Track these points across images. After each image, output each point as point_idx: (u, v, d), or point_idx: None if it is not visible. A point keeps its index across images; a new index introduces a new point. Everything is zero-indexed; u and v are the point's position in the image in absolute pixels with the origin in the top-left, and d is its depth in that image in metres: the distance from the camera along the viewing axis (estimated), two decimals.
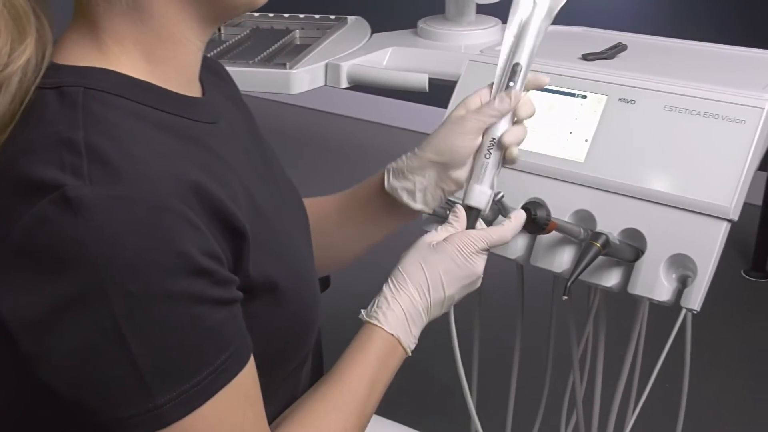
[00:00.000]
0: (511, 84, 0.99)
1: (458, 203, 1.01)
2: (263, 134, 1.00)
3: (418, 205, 1.05)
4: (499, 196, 1.16)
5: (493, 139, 1.00)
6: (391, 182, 1.06)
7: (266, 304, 0.83)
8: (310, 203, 1.11)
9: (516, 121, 1.02)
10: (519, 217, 1.03)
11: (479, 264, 0.97)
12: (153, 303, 0.71)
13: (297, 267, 0.88)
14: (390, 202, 1.06)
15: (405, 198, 1.05)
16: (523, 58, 1.00)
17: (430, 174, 1.03)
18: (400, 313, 0.94)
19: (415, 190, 1.04)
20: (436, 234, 0.99)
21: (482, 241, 0.98)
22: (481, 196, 1.01)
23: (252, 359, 0.80)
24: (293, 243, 0.90)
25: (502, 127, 1.00)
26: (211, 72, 0.94)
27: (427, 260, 0.96)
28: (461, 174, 1.02)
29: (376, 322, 0.93)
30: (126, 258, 0.69)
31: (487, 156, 1.01)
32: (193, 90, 0.85)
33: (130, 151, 0.73)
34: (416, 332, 0.95)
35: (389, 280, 0.96)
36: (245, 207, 0.80)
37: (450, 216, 1.00)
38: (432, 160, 1.02)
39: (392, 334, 0.93)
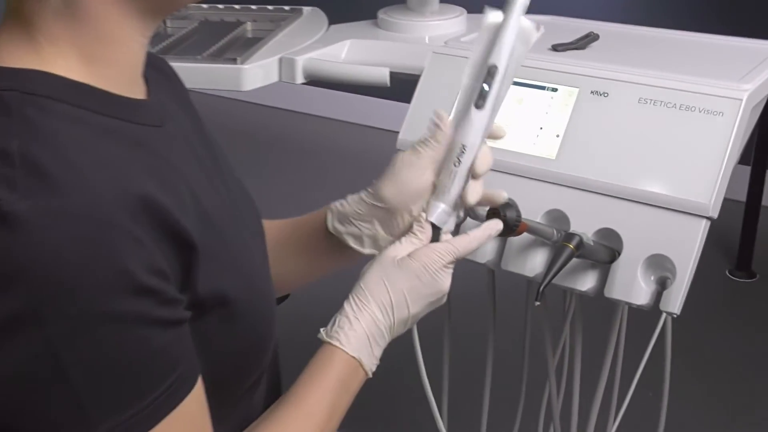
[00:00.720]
0: (486, 87, 0.98)
1: (422, 212, 1.00)
2: (212, 134, 1.00)
3: (366, 250, 1.05)
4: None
5: (463, 146, 0.99)
6: (336, 226, 1.06)
7: (218, 319, 0.83)
8: None
9: (473, 176, 1.00)
10: (489, 228, 1.03)
11: (446, 280, 0.98)
12: (93, 325, 0.70)
13: (250, 278, 0.89)
14: (335, 243, 1.07)
15: (352, 243, 1.06)
16: (500, 60, 0.98)
17: (380, 221, 1.03)
18: (362, 333, 0.94)
19: (363, 236, 1.05)
20: (400, 247, 0.98)
21: (449, 254, 0.98)
22: (443, 215, 1.00)
23: (200, 382, 0.80)
24: (246, 252, 0.90)
25: (474, 133, 0.99)
26: (156, 69, 0.94)
27: (391, 277, 0.96)
28: (416, 209, 1.02)
29: (337, 344, 0.93)
30: (65, 277, 0.69)
31: (456, 164, 0.99)
32: (137, 91, 0.85)
33: (70, 161, 0.72)
34: (378, 353, 0.96)
35: (350, 297, 0.96)
36: (194, 216, 0.80)
37: (414, 226, 1.00)
38: (381, 207, 1.02)
39: (354, 357, 0.93)
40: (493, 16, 1.00)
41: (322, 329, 0.95)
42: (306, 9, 1.90)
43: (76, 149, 0.74)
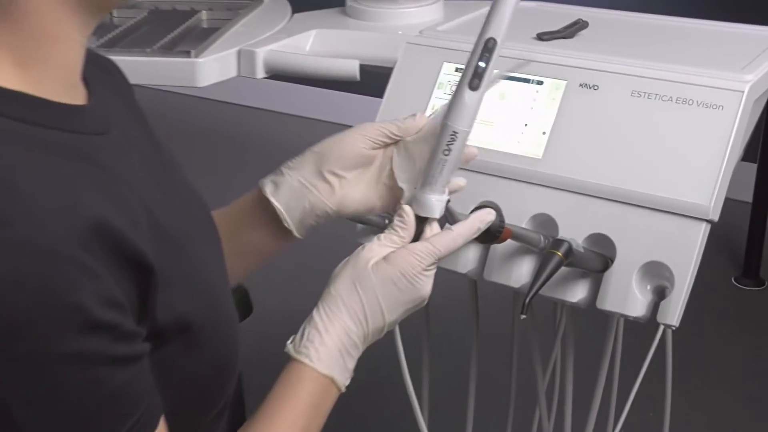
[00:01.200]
0: (482, 65, 0.97)
1: (405, 206, 1.00)
2: (158, 135, 1.00)
3: (280, 199, 1.07)
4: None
5: (455, 132, 0.98)
6: (265, 186, 1.08)
7: (178, 347, 0.83)
8: None
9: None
10: (477, 220, 1.02)
11: (426, 285, 0.98)
12: (43, 367, 0.70)
13: (212, 298, 0.88)
14: (261, 216, 1.08)
15: (268, 191, 1.07)
16: (499, 32, 0.97)
17: (308, 168, 1.06)
18: (334, 347, 0.94)
19: (282, 183, 1.07)
20: (377, 247, 0.98)
21: (429, 256, 0.97)
22: (436, 204, 1.00)
23: (163, 420, 0.80)
24: (207, 268, 0.90)
25: (467, 117, 0.98)
26: (94, 65, 0.92)
27: (365, 283, 0.96)
28: (339, 185, 1.05)
29: (307, 360, 0.93)
30: (9, 316, 0.68)
31: (446, 152, 0.99)
32: (76, 95, 0.84)
33: (8, 184, 0.71)
34: (351, 366, 0.96)
35: (320, 306, 0.96)
36: (150, 235, 0.80)
37: (395, 220, 1.00)
38: (314, 150, 1.06)
39: (326, 375, 0.93)
40: None
41: (289, 342, 0.95)
42: None
43: (14, 170, 0.72)
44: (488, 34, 0.97)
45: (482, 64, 0.97)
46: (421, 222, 1.00)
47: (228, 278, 0.99)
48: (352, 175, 1.07)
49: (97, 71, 0.91)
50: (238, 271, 1.09)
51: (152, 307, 0.79)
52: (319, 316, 0.95)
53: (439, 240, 0.99)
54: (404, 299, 0.97)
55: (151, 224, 0.81)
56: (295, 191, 1.07)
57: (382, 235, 0.99)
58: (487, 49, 0.97)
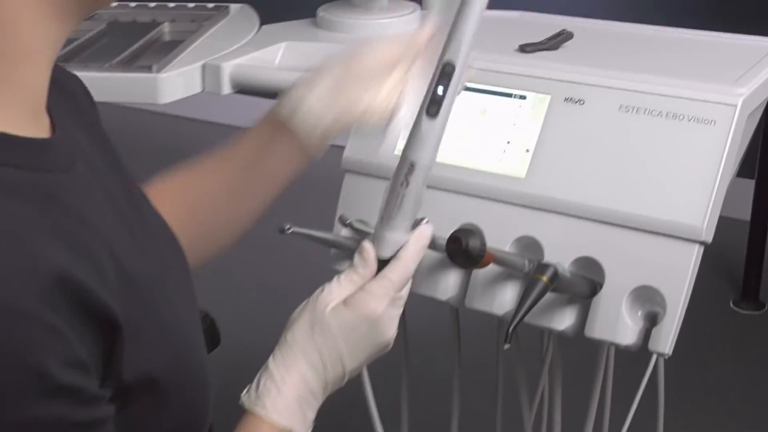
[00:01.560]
0: (440, 91, 0.96)
1: (366, 241, 0.99)
2: (125, 162, 0.98)
3: (299, 123, 1.08)
4: (424, 222, 1.19)
5: (413, 164, 0.97)
6: (286, 107, 1.09)
7: (145, 406, 0.83)
8: (186, 182, 1.14)
9: None
10: (419, 239, 0.99)
11: (389, 329, 0.97)
12: None
13: (182, 352, 0.88)
14: (277, 138, 1.10)
15: (285, 114, 1.09)
16: (457, 55, 0.95)
17: (325, 85, 1.08)
18: (292, 397, 0.94)
19: (298, 105, 1.09)
20: (336, 289, 0.97)
21: (386, 295, 0.96)
22: (391, 245, 0.98)
23: None
24: (177, 318, 0.89)
25: (424, 147, 0.97)
26: (56, 85, 0.89)
27: (324, 329, 0.95)
28: (364, 93, 1.08)
29: (263, 413, 0.93)
30: None
31: (403, 185, 0.98)
32: (40, 122, 0.82)
33: None
34: (312, 416, 0.96)
35: (276, 353, 0.95)
36: (116, 285, 0.79)
37: (355, 258, 0.98)
38: (326, 69, 1.09)
39: (284, 427, 0.93)
40: None
41: (244, 393, 0.94)
42: (233, 7, 1.92)
43: None
44: (446, 58, 0.96)
45: (441, 90, 0.96)
46: (384, 260, 0.99)
47: (199, 321, 0.99)
48: (372, 87, 1.08)
49: (58, 93, 0.88)
50: (256, 203, 1.14)
51: (118, 365, 0.78)
52: (275, 364, 0.95)
53: (391, 272, 0.97)
54: (365, 345, 0.96)
55: (119, 274, 0.80)
56: (314, 111, 1.08)
57: (341, 276, 0.98)
58: (445, 74, 0.96)
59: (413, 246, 0.99)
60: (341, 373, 0.96)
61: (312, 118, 1.09)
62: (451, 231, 1.26)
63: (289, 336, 0.96)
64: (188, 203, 1.12)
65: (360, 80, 1.09)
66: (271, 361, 0.95)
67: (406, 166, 0.98)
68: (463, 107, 1.37)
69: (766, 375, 2.65)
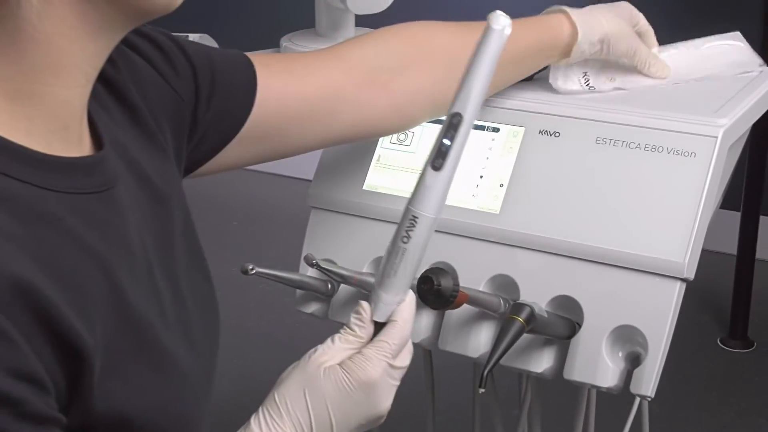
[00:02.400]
0: (447, 142, 0.95)
1: (363, 302, 0.98)
2: (182, 193, 0.99)
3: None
4: None
5: (414, 217, 0.96)
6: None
7: None
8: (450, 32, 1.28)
9: None
10: (409, 306, 1.00)
11: (386, 399, 0.97)
12: None
13: (172, 398, 0.88)
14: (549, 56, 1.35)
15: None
16: (466, 107, 0.95)
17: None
18: None
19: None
20: (330, 350, 0.96)
21: (385, 358, 0.96)
22: (386, 308, 0.98)
23: None
24: (178, 365, 0.89)
25: (429, 200, 0.96)
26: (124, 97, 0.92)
27: (316, 391, 0.93)
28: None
29: None
30: None
31: (405, 240, 0.97)
32: (70, 139, 0.83)
33: None
34: None
35: (261, 411, 0.94)
36: (105, 316, 0.79)
37: (352, 318, 0.98)
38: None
39: None
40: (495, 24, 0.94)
41: None
42: (193, 36, 1.92)
43: None
44: (454, 109, 0.95)
45: (447, 142, 0.95)
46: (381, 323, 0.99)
47: (211, 384, 0.99)
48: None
49: (119, 105, 0.91)
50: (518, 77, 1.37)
51: (87, 395, 0.79)
52: (257, 423, 0.93)
53: (388, 336, 0.97)
54: (358, 413, 0.95)
55: (115, 306, 0.80)
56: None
57: (336, 336, 0.97)
58: (452, 125, 0.95)
59: (409, 306, 0.99)
60: None
61: (590, 44, 1.33)
62: (423, 271, 1.27)
63: (278, 395, 0.94)
64: (456, 58, 1.15)
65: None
66: (253, 420, 0.93)
67: (407, 219, 0.97)
68: (432, 140, 1.37)
69: (755, 416, 2.66)
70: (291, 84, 1.15)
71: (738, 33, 1.48)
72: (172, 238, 0.95)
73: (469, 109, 0.94)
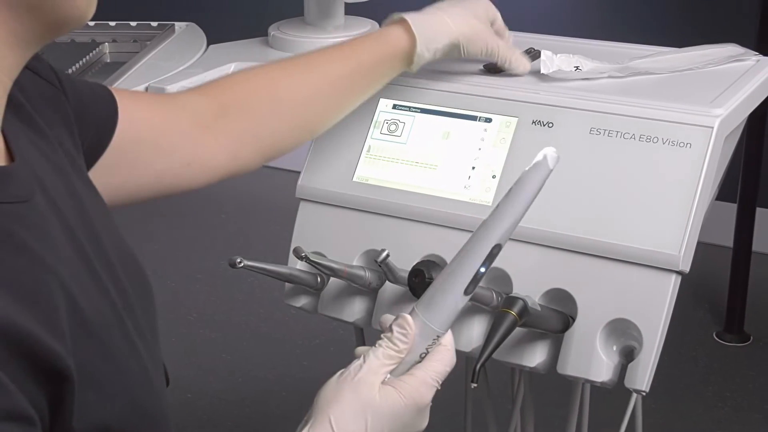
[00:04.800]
0: (482, 270, 1.01)
1: (406, 316, 1.00)
2: (87, 178, 0.99)
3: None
4: (384, 255, 1.20)
5: (438, 336, 1.01)
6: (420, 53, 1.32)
7: None
8: (275, 72, 1.30)
9: None
10: (450, 334, 1.03)
11: (427, 417, 1.00)
12: None
13: (141, 397, 0.88)
14: (394, 64, 1.34)
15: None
16: (505, 237, 1.02)
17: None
18: None
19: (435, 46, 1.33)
20: (378, 366, 0.98)
21: (437, 382, 1.00)
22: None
23: None
24: (137, 361, 0.89)
25: (451, 320, 1.02)
26: (13, 104, 0.91)
27: (376, 416, 0.95)
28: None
29: None
30: None
31: (423, 355, 1.01)
32: None
33: None
34: None
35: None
36: (69, 327, 0.79)
37: (395, 332, 1.00)
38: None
39: None
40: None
41: None
42: (179, 25, 1.92)
43: None
44: (495, 240, 1.01)
45: (483, 270, 1.01)
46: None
47: (162, 364, 0.98)
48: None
49: (14, 114, 0.90)
50: (357, 101, 1.35)
51: (67, 416, 0.79)
52: None
53: (439, 361, 1.00)
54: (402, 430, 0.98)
55: (73, 317, 0.80)
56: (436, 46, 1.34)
57: (379, 351, 0.99)
58: (491, 255, 1.01)
59: (450, 334, 1.03)
60: None
61: (433, 51, 1.33)
62: (414, 263, 1.28)
63: (334, 420, 0.95)
64: (298, 97, 1.30)
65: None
66: None
67: (430, 338, 1.01)
68: (426, 131, 1.38)
69: (752, 411, 2.67)
70: (139, 112, 1.17)
71: (735, 44, 1.48)
72: (98, 230, 0.95)
73: (506, 237, 1.02)
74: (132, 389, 0.87)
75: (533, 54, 1.50)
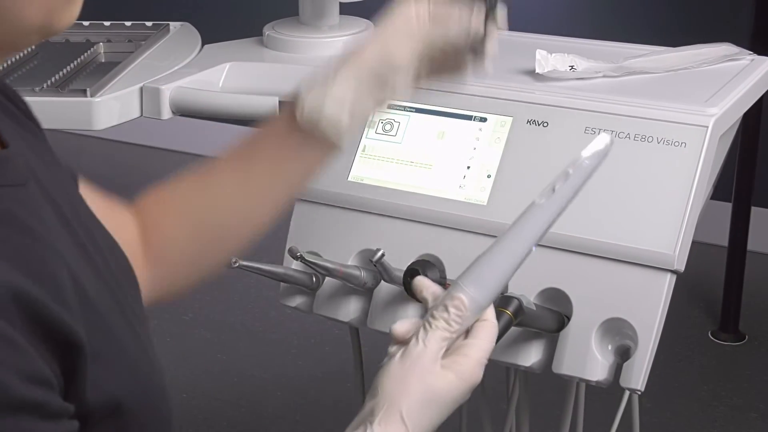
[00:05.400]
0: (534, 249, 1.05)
1: (461, 296, 1.00)
2: (71, 177, 1.01)
3: (345, 139, 1.10)
4: (379, 254, 1.20)
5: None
6: (307, 113, 1.08)
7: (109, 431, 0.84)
8: (178, 189, 1.16)
9: None
10: (493, 314, 1.04)
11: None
12: None
13: (144, 377, 0.90)
14: (302, 141, 1.10)
15: (330, 132, 1.08)
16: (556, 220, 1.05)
17: (361, 86, 1.08)
18: None
19: (345, 103, 1.08)
20: (438, 350, 0.99)
21: (486, 360, 1.01)
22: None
23: None
24: (133, 341, 0.91)
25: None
26: (3, 95, 0.93)
27: (441, 405, 0.98)
28: (401, 79, 1.09)
29: None
30: None
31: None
32: None
33: None
34: None
35: (382, 423, 0.96)
36: (77, 306, 0.81)
37: (452, 312, 1.00)
38: (363, 68, 1.08)
39: None
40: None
41: None
42: (173, 25, 1.92)
43: None
44: (551, 220, 1.05)
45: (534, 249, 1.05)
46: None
47: (155, 350, 1.00)
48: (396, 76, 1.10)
49: (3, 114, 0.91)
50: (279, 204, 1.14)
51: (81, 386, 0.80)
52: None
53: (487, 337, 1.01)
54: (453, 407, 1.01)
55: (78, 293, 0.82)
56: (338, 114, 1.08)
57: (438, 333, 0.99)
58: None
59: (491, 313, 1.04)
60: None
61: (337, 121, 1.09)
62: (409, 263, 1.28)
63: (404, 411, 0.96)
64: (201, 207, 1.15)
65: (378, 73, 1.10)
66: (377, 429, 0.96)
67: (476, 313, 1.02)
68: (421, 131, 1.38)
69: (747, 410, 2.67)
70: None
71: (729, 44, 1.49)
72: (89, 223, 0.96)
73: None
74: (135, 368, 0.88)
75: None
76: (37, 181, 0.88)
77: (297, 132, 1.10)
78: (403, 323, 1.02)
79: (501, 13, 1.11)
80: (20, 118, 0.98)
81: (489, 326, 1.02)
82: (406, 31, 1.09)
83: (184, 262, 1.16)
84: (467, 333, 1.01)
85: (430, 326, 0.99)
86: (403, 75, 1.09)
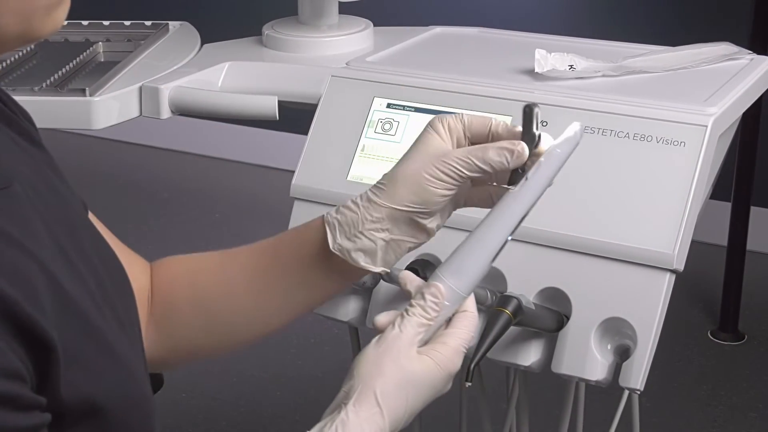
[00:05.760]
0: (509, 239, 1.05)
1: (438, 285, 1.02)
2: (69, 183, 1.00)
3: (378, 268, 1.08)
4: None
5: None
6: (340, 241, 1.08)
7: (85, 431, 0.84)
8: (195, 263, 1.16)
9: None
10: (473, 305, 1.06)
11: (451, 380, 1.03)
12: None
13: (124, 379, 0.90)
14: (333, 264, 1.10)
15: (362, 261, 1.08)
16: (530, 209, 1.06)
17: (395, 227, 1.07)
18: None
19: (377, 249, 1.07)
20: (414, 336, 1.00)
21: (465, 349, 1.02)
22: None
23: None
24: (118, 346, 0.91)
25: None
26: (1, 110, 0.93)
27: (418, 389, 0.99)
28: (432, 222, 1.08)
29: None
30: None
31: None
32: None
33: None
34: None
35: (356, 404, 0.96)
36: (54, 308, 0.81)
37: (428, 299, 1.01)
38: (398, 208, 1.06)
39: None
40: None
41: None
42: (173, 24, 1.92)
43: None
44: (525, 210, 1.07)
45: (509, 239, 1.06)
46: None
47: (143, 351, 1.00)
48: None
49: None
50: (296, 312, 1.15)
51: (55, 385, 0.81)
52: (355, 415, 0.96)
53: (467, 327, 1.03)
54: (433, 396, 1.02)
55: (55, 295, 0.82)
56: (380, 250, 1.09)
57: (414, 320, 1.01)
58: (519, 225, 1.07)
59: (472, 298, 1.06)
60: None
61: (372, 259, 1.09)
62: (408, 262, 1.28)
63: (378, 393, 0.97)
64: (216, 300, 1.16)
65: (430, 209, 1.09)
66: (351, 410, 0.96)
67: (456, 302, 1.05)
68: (420, 130, 1.37)
69: (746, 410, 2.67)
70: None
71: (729, 43, 1.49)
72: (77, 227, 0.96)
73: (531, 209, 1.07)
74: (118, 373, 0.88)
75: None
76: (23, 186, 0.87)
77: (328, 256, 1.10)
78: (385, 315, 1.04)
79: (544, 140, 1.08)
80: (16, 123, 0.98)
81: (468, 317, 1.03)
82: (444, 170, 1.07)
83: (188, 344, 1.18)
84: (447, 324, 1.03)
85: (408, 313, 1.01)
86: (438, 221, 1.11)
